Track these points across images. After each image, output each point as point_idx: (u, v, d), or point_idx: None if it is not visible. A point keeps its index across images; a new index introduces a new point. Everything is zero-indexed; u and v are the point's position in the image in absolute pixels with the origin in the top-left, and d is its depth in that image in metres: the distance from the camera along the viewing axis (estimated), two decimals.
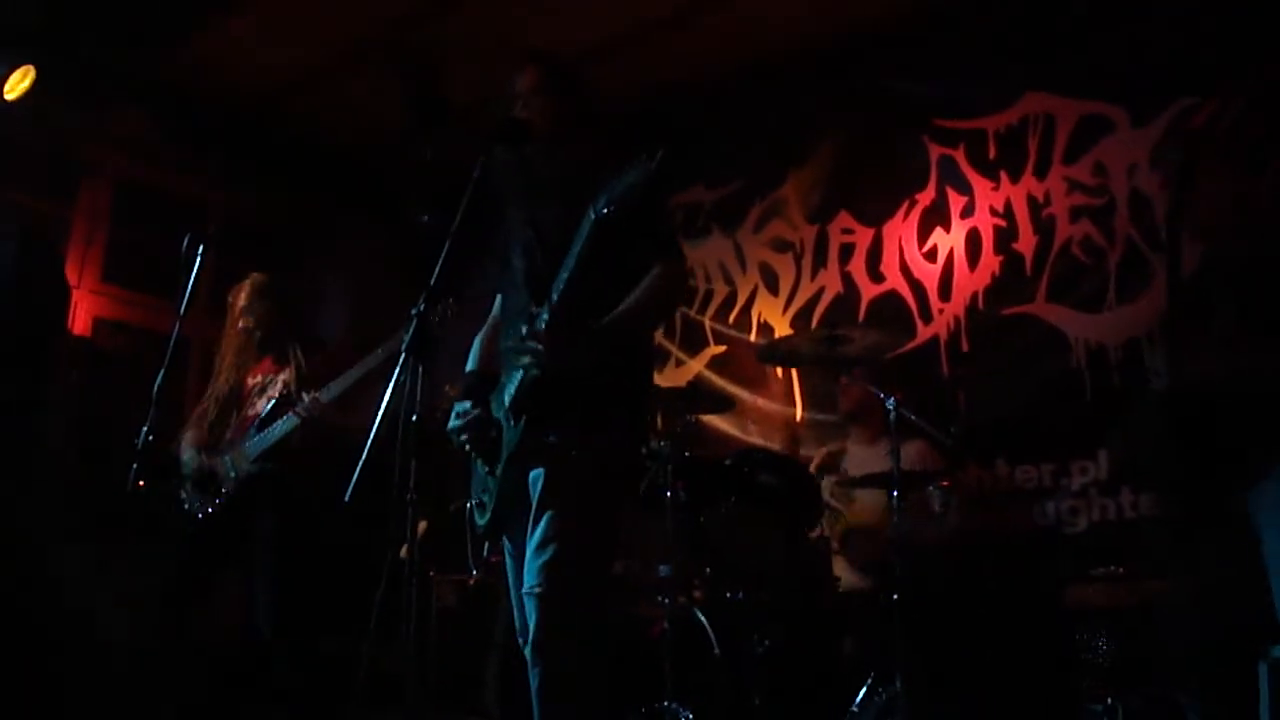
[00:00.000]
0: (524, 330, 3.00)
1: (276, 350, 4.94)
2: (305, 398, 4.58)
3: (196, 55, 6.43)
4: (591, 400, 3.02)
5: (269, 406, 4.71)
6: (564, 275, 2.90)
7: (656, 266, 3.08)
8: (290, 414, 4.60)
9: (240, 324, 4.94)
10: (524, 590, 2.93)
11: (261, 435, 4.67)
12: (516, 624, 3.07)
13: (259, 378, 4.92)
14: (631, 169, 2.70)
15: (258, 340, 4.96)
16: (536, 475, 3.02)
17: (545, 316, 2.94)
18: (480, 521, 3.26)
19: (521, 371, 3.01)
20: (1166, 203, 5.22)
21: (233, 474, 4.66)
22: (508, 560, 3.23)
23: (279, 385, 4.77)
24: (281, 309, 5.01)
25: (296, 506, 4.66)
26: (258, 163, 7.20)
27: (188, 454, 4.78)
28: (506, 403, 3.08)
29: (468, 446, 3.24)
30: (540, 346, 2.91)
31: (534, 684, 2.89)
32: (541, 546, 2.92)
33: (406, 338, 2.76)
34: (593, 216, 2.80)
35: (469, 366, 3.44)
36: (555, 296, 2.92)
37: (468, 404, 3.23)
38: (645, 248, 3.09)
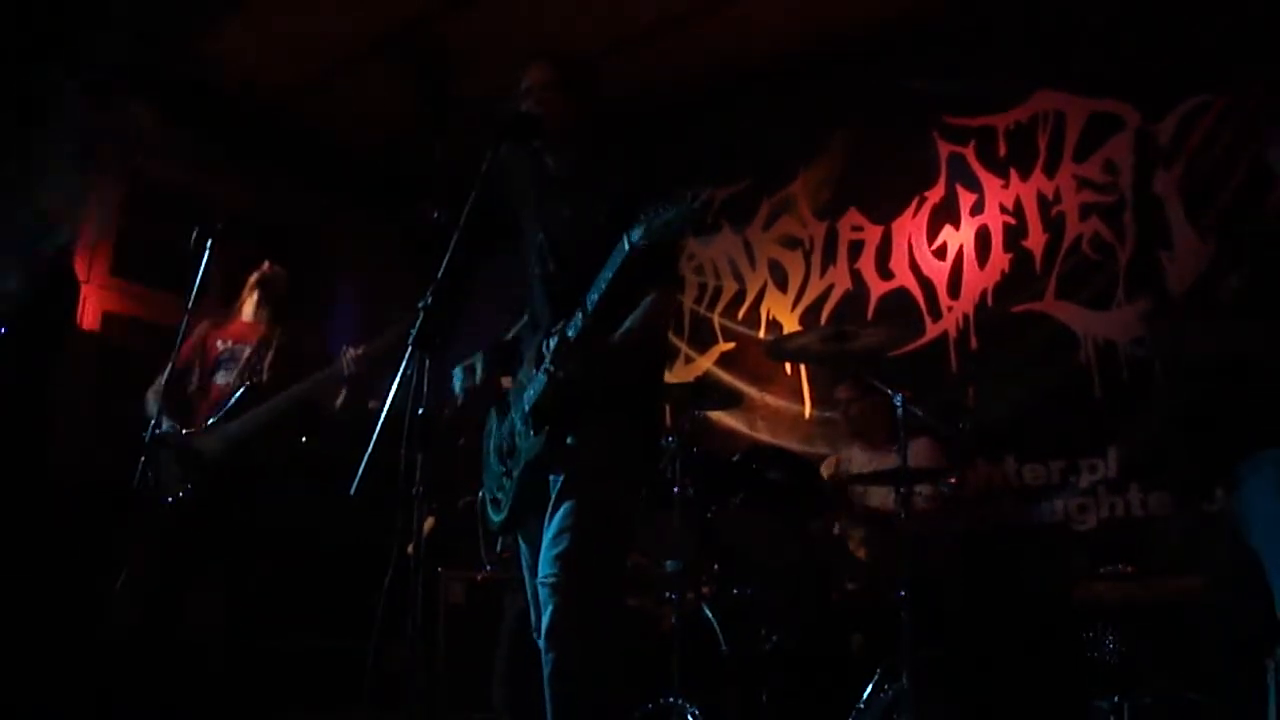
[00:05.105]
0: (550, 341, 3.03)
1: (263, 318, 4.93)
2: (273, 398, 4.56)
3: (209, 52, 6.44)
4: (608, 405, 3.04)
5: (234, 396, 4.64)
6: (593, 296, 2.92)
7: (654, 292, 3.09)
8: (259, 411, 4.56)
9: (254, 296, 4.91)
10: (539, 580, 2.96)
11: (228, 428, 4.59)
12: (531, 618, 3.09)
13: (227, 343, 4.85)
14: (672, 205, 2.69)
15: (253, 308, 4.92)
16: (556, 476, 3.04)
17: (572, 333, 2.97)
18: (495, 518, 3.27)
19: (545, 378, 3.02)
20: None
21: (206, 461, 4.57)
22: (523, 556, 3.24)
23: (245, 359, 4.72)
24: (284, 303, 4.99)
25: (275, 500, 4.62)
26: (268, 158, 7.21)
27: (166, 423, 4.56)
28: (526, 408, 3.09)
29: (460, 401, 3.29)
30: (568, 361, 2.95)
31: (546, 672, 2.91)
32: (558, 537, 2.94)
33: (413, 331, 2.76)
34: (626, 248, 2.81)
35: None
36: (587, 314, 2.94)
37: (480, 363, 3.28)
38: (650, 271, 3.10)
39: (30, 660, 4.62)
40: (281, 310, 4.94)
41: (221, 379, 4.74)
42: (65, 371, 6.05)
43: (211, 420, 4.62)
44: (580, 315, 2.96)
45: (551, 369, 3.00)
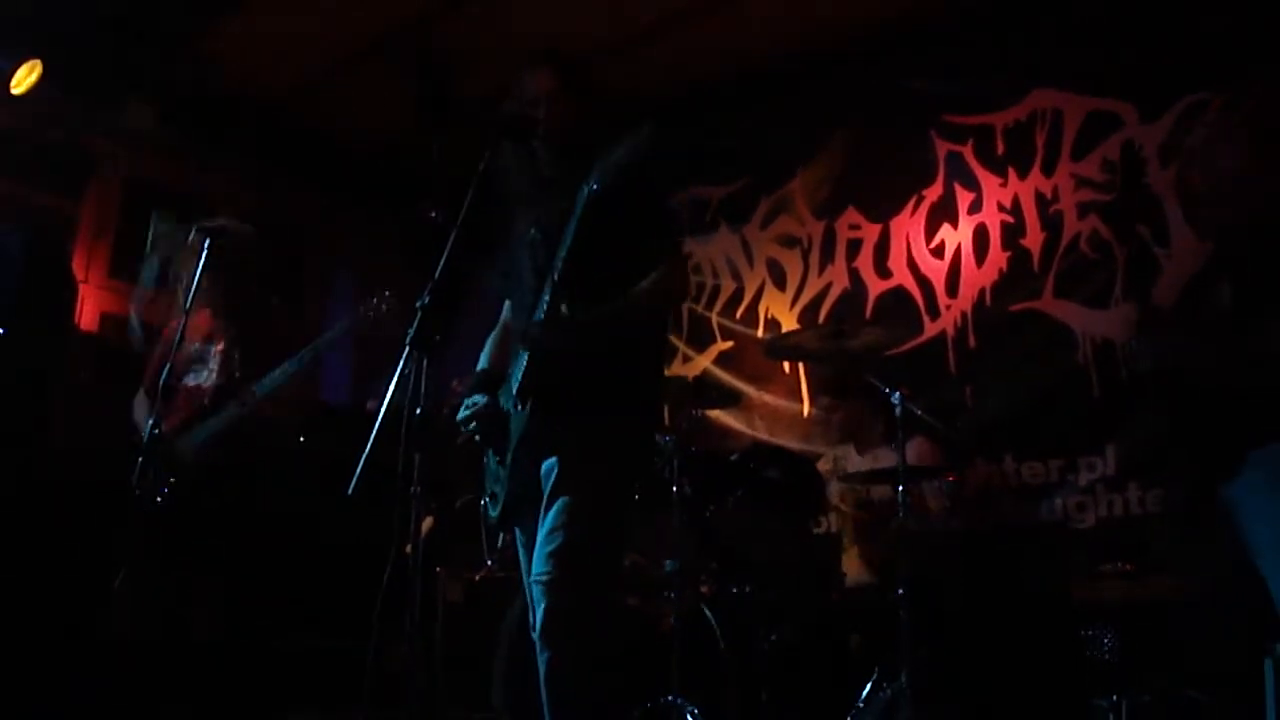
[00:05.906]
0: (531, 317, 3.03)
1: (221, 311, 4.75)
2: (247, 390, 4.47)
3: (207, 52, 6.44)
4: (598, 388, 3.03)
5: (212, 393, 4.58)
6: (561, 254, 2.94)
7: (660, 266, 3.09)
8: (233, 405, 4.48)
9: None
10: (532, 578, 2.96)
11: (205, 425, 4.54)
12: (530, 614, 3.09)
13: (197, 344, 4.71)
14: (621, 146, 2.77)
15: (210, 296, 4.65)
16: (550, 466, 3.03)
17: (547, 297, 2.96)
18: (493, 512, 3.27)
19: (526, 355, 3.03)
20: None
21: (184, 460, 4.53)
22: (520, 550, 3.24)
23: (216, 358, 4.63)
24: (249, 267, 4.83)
25: (273, 499, 4.60)
26: (268, 158, 7.21)
27: (145, 427, 4.43)
28: (514, 390, 3.09)
29: (476, 435, 3.26)
30: (537, 332, 2.96)
31: (541, 671, 2.91)
32: (551, 535, 2.94)
33: (410, 331, 2.76)
34: (584, 193, 2.86)
35: (480, 365, 3.45)
36: (555, 276, 2.94)
37: (480, 396, 3.25)
38: (648, 243, 3.10)
39: (30, 661, 4.61)
40: (238, 291, 4.80)
41: (193, 380, 4.67)
42: (64, 371, 6.04)
43: (185, 419, 4.58)
44: (549, 280, 2.96)
45: (527, 340, 3.02)
